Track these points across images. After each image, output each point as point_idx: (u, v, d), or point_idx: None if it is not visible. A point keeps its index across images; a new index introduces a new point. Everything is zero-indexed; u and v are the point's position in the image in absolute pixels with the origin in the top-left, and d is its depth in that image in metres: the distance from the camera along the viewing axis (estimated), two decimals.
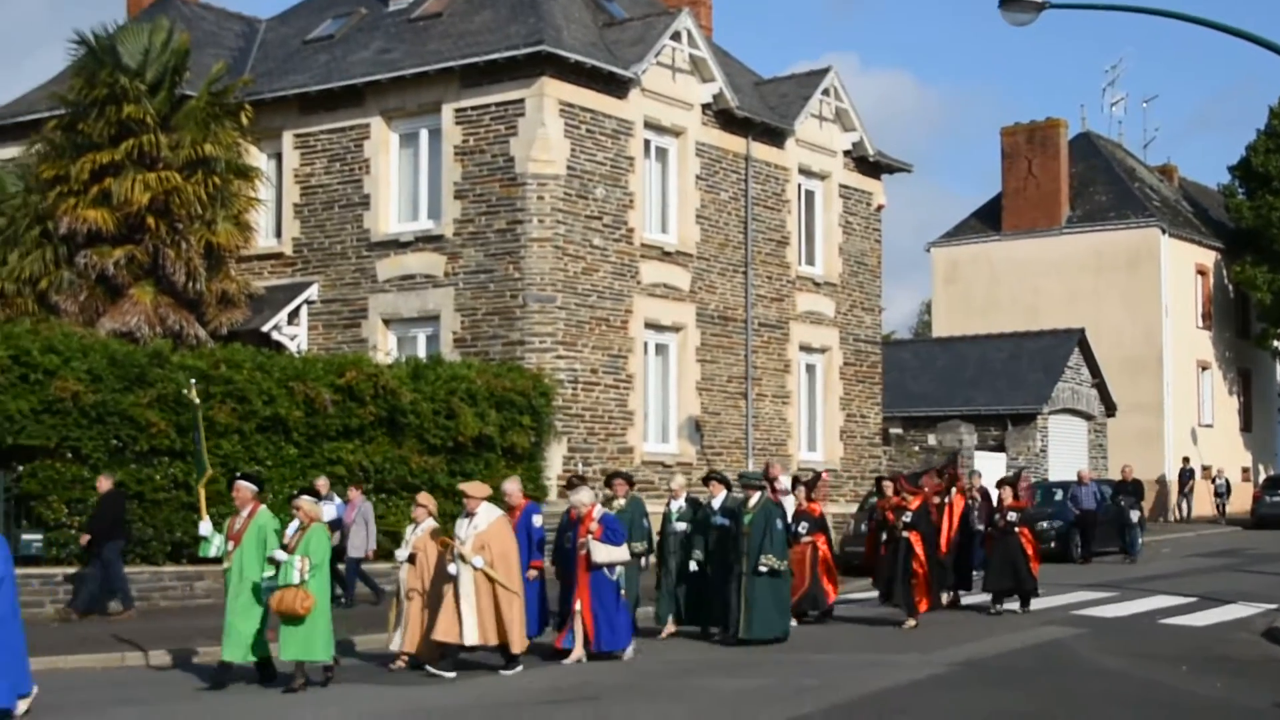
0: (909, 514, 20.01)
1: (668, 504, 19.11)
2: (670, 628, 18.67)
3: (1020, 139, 50.86)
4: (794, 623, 19.28)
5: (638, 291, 28.10)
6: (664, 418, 29.16)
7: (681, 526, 18.72)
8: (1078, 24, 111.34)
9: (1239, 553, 32.96)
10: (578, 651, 16.22)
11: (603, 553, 16.25)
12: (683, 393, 29.30)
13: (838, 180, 33.58)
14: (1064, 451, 42.04)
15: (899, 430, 40.29)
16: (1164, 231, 48.66)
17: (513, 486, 17.14)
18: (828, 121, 33.08)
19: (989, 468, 40.02)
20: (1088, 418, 44.39)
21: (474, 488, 15.90)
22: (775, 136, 31.56)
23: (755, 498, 18.18)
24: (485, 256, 26.69)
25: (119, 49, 26.67)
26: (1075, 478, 32.77)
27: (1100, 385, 44.72)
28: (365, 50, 29.49)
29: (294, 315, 28.46)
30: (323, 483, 21.74)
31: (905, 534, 19.79)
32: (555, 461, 25.95)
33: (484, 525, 15.37)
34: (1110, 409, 45.14)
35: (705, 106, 29.71)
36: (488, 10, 28.63)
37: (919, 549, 19.78)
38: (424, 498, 16.52)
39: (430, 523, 16.09)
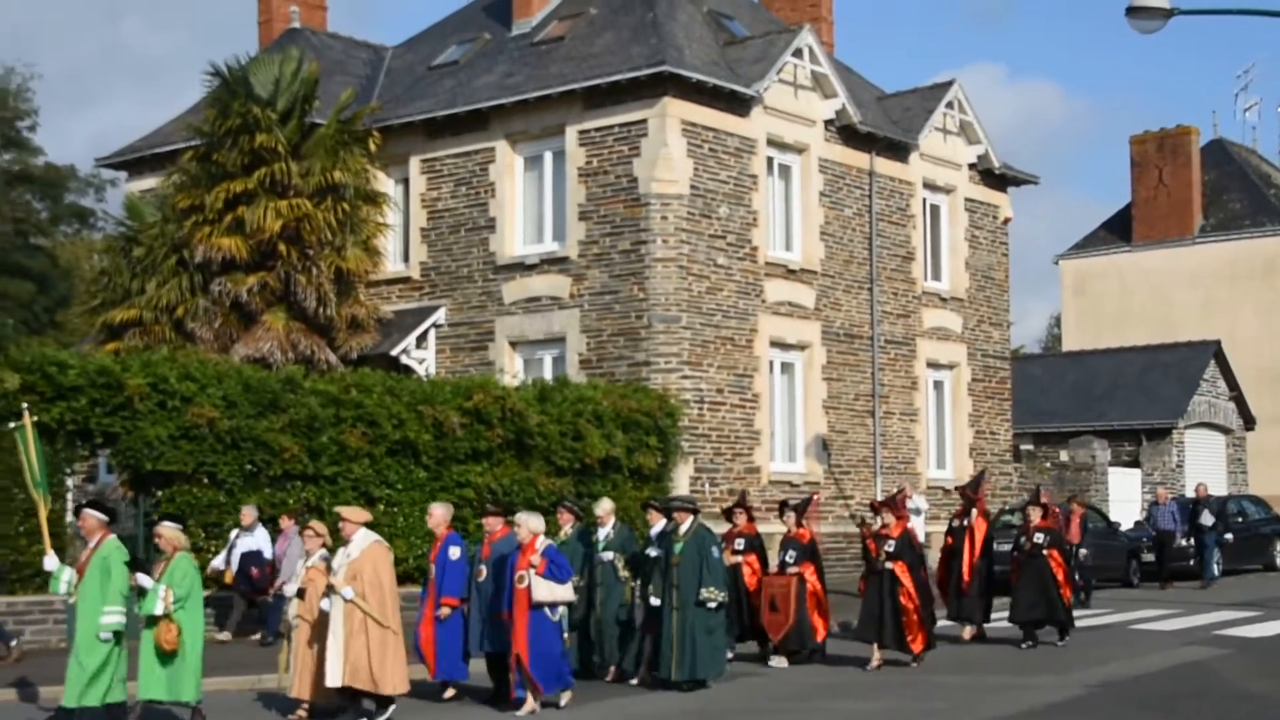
0: (891, 542, 17.75)
1: (595, 533, 17.14)
2: (613, 671, 16.70)
3: (1150, 147, 49.94)
4: (785, 662, 17.93)
5: (762, 310, 28.02)
6: (790, 437, 29.01)
7: (608, 556, 16.72)
8: (1209, 29, 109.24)
9: None
10: (530, 704, 14.37)
11: (544, 590, 14.37)
12: (809, 411, 29.13)
13: (963, 194, 33.22)
14: (1201, 467, 41.08)
15: (1030, 446, 39.72)
16: None
17: (440, 511, 15.45)
18: (952, 134, 32.76)
19: (1123, 484, 39.36)
20: (1225, 431, 43.37)
21: (351, 512, 14.15)
22: (899, 151, 31.32)
23: (686, 524, 16.26)
24: (610, 277, 26.80)
25: (251, 79, 27.24)
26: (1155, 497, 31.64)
27: (1238, 398, 43.69)
28: (489, 75, 29.80)
29: (422, 339, 28.78)
30: (248, 513, 20.15)
31: (889, 565, 17.60)
32: (683, 482, 25.91)
33: (356, 553, 13.65)
34: (1249, 422, 44.07)
35: (828, 123, 29.56)
36: (609, 32, 28.79)
37: (906, 580, 17.55)
38: (317, 525, 14.66)
39: (323, 553, 14.33)
